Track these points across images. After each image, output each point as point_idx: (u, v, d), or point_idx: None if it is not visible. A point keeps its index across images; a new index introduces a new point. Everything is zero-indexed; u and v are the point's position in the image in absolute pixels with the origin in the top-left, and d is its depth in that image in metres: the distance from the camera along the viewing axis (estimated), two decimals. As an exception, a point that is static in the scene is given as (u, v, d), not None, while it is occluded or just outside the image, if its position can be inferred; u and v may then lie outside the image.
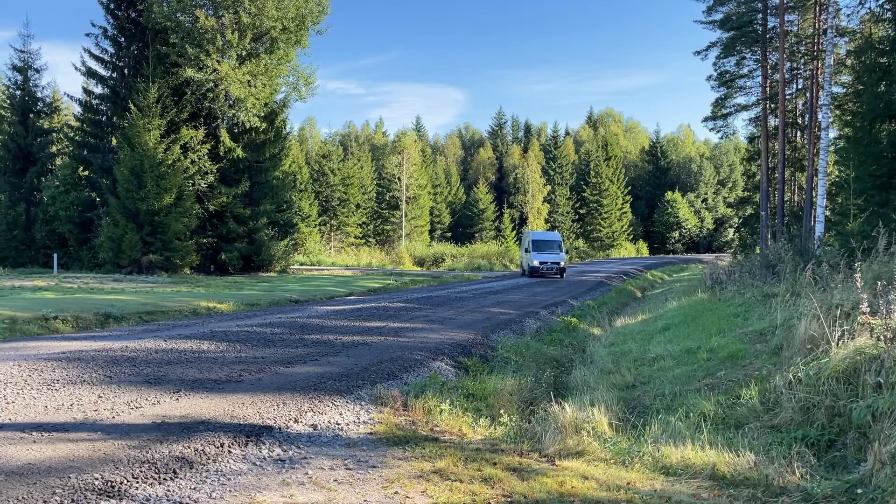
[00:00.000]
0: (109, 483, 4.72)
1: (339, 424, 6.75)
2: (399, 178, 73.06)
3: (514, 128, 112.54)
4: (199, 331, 12.70)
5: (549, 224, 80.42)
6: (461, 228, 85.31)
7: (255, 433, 6.12)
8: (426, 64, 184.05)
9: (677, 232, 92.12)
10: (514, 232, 77.50)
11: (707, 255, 78.40)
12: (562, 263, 35.37)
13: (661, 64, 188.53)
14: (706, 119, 39.21)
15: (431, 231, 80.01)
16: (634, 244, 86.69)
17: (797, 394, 6.89)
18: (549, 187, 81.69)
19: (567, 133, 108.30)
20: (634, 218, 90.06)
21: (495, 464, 5.67)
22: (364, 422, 6.93)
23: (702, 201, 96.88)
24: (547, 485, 5.16)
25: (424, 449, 6.01)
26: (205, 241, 36.07)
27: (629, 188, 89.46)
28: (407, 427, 6.83)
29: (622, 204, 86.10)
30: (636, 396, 9.35)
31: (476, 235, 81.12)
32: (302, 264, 49.55)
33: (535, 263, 34.83)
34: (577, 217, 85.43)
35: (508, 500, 4.87)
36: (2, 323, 13.22)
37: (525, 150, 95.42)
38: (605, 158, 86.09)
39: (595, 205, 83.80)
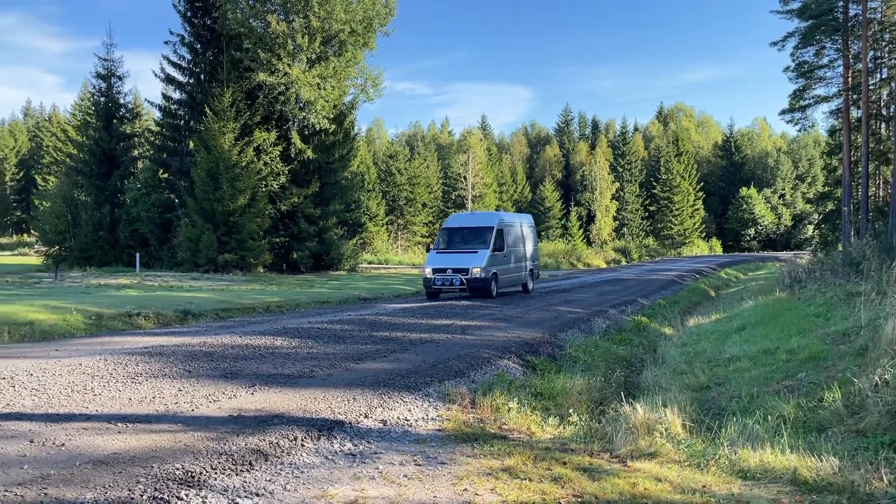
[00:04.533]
0: (189, 473, 4.90)
1: (407, 421, 6.80)
2: (465, 177, 73.20)
3: (581, 124, 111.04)
4: (273, 327, 13.04)
5: (616, 222, 78.88)
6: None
7: (326, 427, 6.23)
8: (492, 63, 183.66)
9: (753, 229, 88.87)
10: (582, 230, 76.48)
11: (784, 252, 75.42)
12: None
13: (734, 56, 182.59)
14: (783, 112, 37.67)
15: (498, 230, 79.72)
16: (707, 242, 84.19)
17: (884, 397, 6.56)
18: (617, 184, 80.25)
19: (636, 129, 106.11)
20: (707, 215, 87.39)
21: (565, 463, 5.60)
22: (432, 418, 6.97)
23: (779, 197, 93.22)
24: (619, 486, 5.07)
25: (493, 447, 6.00)
26: (277, 240, 37.03)
27: (701, 184, 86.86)
28: (475, 424, 6.83)
29: (694, 201, 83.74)
30: (711, 398, 9.09)
31: (542, 234, 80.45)
32: (370, 263, 50.26)
33: (428, 272, 20.13)
34: (646, 214, 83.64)
35: (579, 500, 4.81)
36: (89, 319, 13.90)
37: (592, 147, 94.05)
38: (676, 154, 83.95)
39: (665, 202, 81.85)
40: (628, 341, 13.99)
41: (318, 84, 35.31)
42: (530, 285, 23.29)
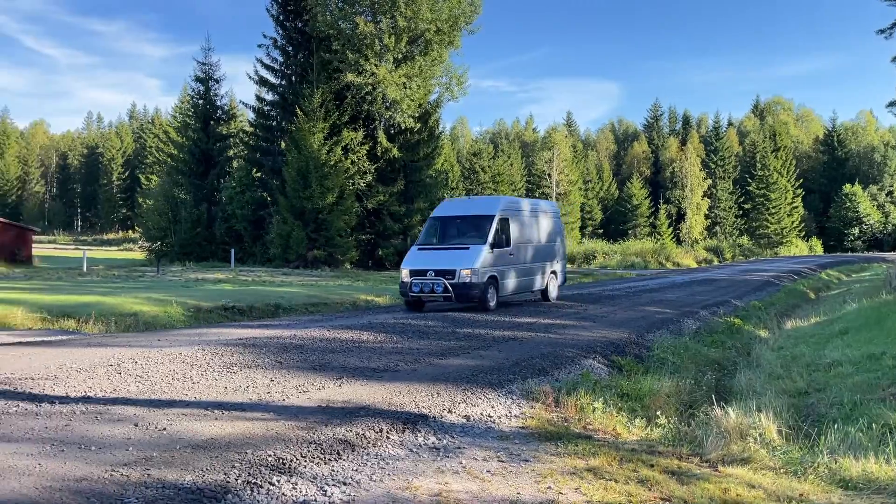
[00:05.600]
0: (281, 460, 5.08)
1: (491, 417, 6.81)
2: (549, 175, 72.50)
3: (671, 120, 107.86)
4: (359, 322, 13.32)
5: (708, 220, 76.10)
6: (613, 225, 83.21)
7: (411, 421, 6.32)
8: (579, 58, 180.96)
9: (857, 228, 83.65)
10: (671, 229, 74.31)
11: (892, 253, 70.83)
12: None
13: (837, 46, 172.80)
14: (891, 104, 35.37)
15: (582, 227, 78.72)
16: (806, 241, 79.96)
17: None
18: (709, 181, 77.42)
19: (730, 123, 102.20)
20: (806, 213, 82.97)
21: (652, 465, 5.47)
22: (515, 416, 6.95)
23: (886, 194, 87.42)
24: (709, 490, 4.91)
25: (577, 446, 5.92)
26: (363, 237, 37.86)
27: (800, 181, 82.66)
28: (559, 423, 6.76)
29: (792, 198, 79.77)
30: (809, 404, 8.66)
31: (629, 232, 78.78)
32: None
33: (405, 275, 15.76)
34: (740, 212, 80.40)
35: (667, 503, 4.68)
36: (188, 311, 14.62)
37: (683, 143, 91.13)
38: (773, 149, 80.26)
39: (761, 199, 78.36)
40: (720, 343, 13.51)
41: (404, 83, 35.81)
42: (553, 292, 18.59)
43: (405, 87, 35.89)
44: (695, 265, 53.38)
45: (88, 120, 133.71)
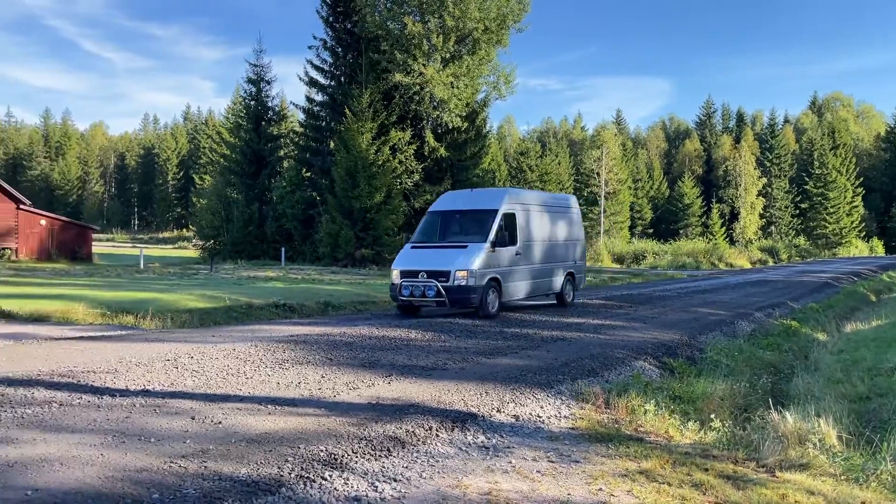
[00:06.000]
0: (332, 455, 5.14)
1: (540, 417, 6.77)
2: (598, 173, 71.69)
3: (724, 117, 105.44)
4: (407, 321, 13.40)
5: (763, 220, 74.12)
6: (664, 224, 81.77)
7: (460, 419, 6.33)
8: (629, 55, 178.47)
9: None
10: (724, 228, 72.67)
11: (960, 254, 67.81)
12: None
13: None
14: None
15: (632, 227, 77.60)
16: (867, 242, 77.15)
17: None
18: (764, 180, 75.36)
19: (786, 120, 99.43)
20: (867, 213, 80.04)
21: (706, 469, 5.36)
22: (565, 416, 6.90)
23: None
24: (766, 496, 4.78)
25: (629, 448, 5.85)
26: (410, 236, 38.05)
27: (861, 180, 79.72)
28: (609, 425, 6.68)
29: (852, 197, 77.07)
30: (871, 409, 8.37)
31: (680, 232, 77.34)
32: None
33: (395, 276, 14.31)
34: (797, 212, 78.07)
35: (722, 508, 4.58)
36: (241, 308, 14.92)
37: (737, 141, 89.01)
38: (832, 147, 77.77)
39: (819, 198, 75.95)
40: (776, 346, 13.15)
41: (452, 83, 35.83)
42: (569, 296, 17.05)
43: (453, 87, 35.92)
44: (748, 266, 52.08)
45: (145, 121, 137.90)
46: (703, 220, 79.16)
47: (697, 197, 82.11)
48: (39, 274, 25.23)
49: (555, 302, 16.97)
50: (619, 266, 48.24)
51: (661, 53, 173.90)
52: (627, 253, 53.48)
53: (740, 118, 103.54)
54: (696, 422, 7.01)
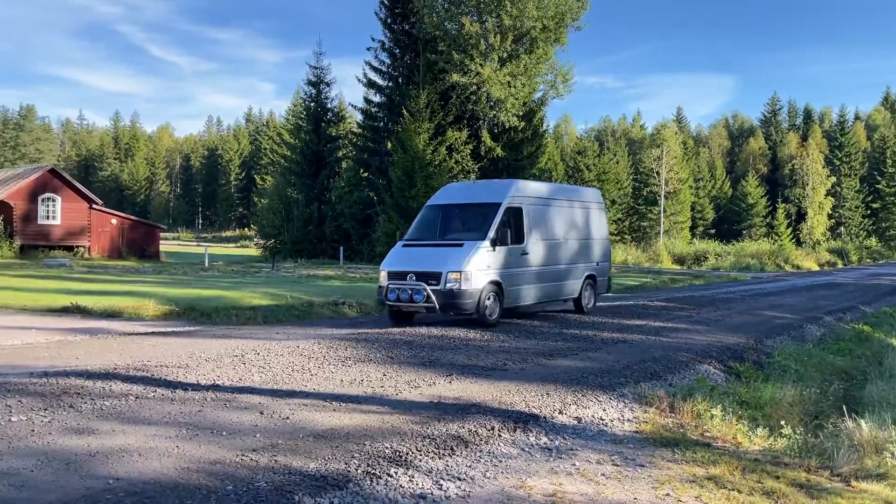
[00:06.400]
0: (397, 453, 5.21)
1: (602, 420, 6.70)
2: (657, 173, 70.35)
3: (790, 114, 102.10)
4: (466, 320, 13.41)
5: (832, 220, 71.43)
6: (726, 225, 79.68)
7: (522, 420, 6.32)
8: (690, 51, 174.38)
9: None
10: (790, 229, 70.36)
11: None
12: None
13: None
14: None
15: (693, 227, 75.86)
16: (944, 243, 73.60)
17: None
18: (833, 179, 72.75)
19: (857, 117, 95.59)
20: (944, 213, 76.36)
21: (778, 477, 5.22)
22: (628, 420, 6.81)
23: None
24: (842, 507, 4.63)
25: (696, 453, 5.73)
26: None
27: (937, 178, 76.08)
28: (674, 429, 6.57)
29: (928, 196, 73.63)
30: (953, 420, 7.96)
31: (744, 233, 75.21)
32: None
33: (383, 278, 12.83)
34: (868, 212, 75.03)
35: (795, 518, 4.46)
36: (303, 306, 15.21)
37: (804, 138, 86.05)
38: (906, 144, 74.34)
39: (892, 198, 72.99)
40: (848, 351, 12.66)
41: (509, 82, 35.75)
42: (589, 302, 15.34)
43: (510, 86, 35.83)
44: (816, 268, 50.30)
45: (209, 123, 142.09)
46: (767, 220, 76.80)
47: (762, 197, 79.72)
48: (111, 271, 26.27)
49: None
50: (679, 267, 47.24)
51: (723, 49, 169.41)
52: (688, 254, 52.29)
53: (808, 115, 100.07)
54: (764, 428, 6.82)
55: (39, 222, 37.17)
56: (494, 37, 35.16)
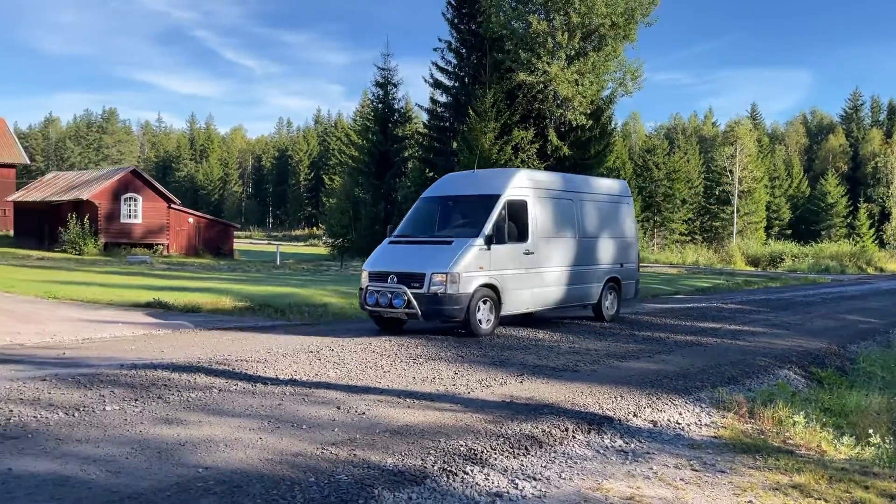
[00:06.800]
0: (472, 451, 5.25)
1: (679, 424, 6.58)
2: (730, 171, 68.27)
3: (873, 109, 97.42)
4: (534, 320, 13.38)
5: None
6: (804, 225, 76.62)
7: (596, 422, 6.27)
8: (765, 45, 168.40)
9: None
10: (873, 230, 67.14)
11: None
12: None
13: None
14: None
15: (768, 228, 73.28)
16: None
17: None
18: (919, 177, 69.00)
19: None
20: None
21: (867, 487, 5.02)
22: (706, 424, 6.66)
23: None
24: (940, 522, 4.42)
25: (778, 461, 5.57)
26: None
27: None
28: (754, 435, 6.39)
29: None
30: None
31: (822, 233, 72.13)
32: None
33: (364, 278, 11.49)
34: (959, 212, 70.82)
35: (888, 531, 4.28)
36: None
37: (888, 135, 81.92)
38: None
39: None
40: (939, 359, 12.01)
41: (576, 80, 35.32)
42: (611, 308, 13.78)
43: (577, 84, 35.39)
44: (901, 270, 47.84)
45: (279, 125, 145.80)
46: (848, 220, 73.49)
47: (842, 196, 76.31)
48: (188, 268, 27.30)
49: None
50: (753, 269, 45.72)
51: (800, 43, 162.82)
52: (763, 255, 50.52)
53: (892, 111, 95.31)
54: (850, 436, 6.57)
55: (122, 221, 38.88)
56: (562, 35, 34.81)
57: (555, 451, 5.50)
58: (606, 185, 14.90)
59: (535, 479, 4.89)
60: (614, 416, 6.54)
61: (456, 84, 40.86)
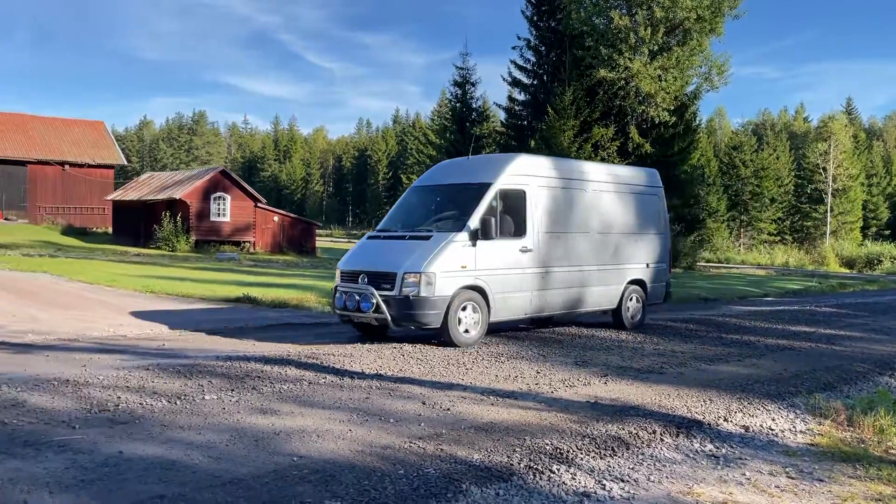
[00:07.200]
0: (558, 450, 5.24)
1: (772, 430, 6.36)
2: (823, 168, 65.12)
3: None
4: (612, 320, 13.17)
5: None
6: (904, 225, 72.26)
7: (684, 425, 6.14)
8: (861, 36, 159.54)
9: None
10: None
11: None
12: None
13: None
14: None
15: (864, 228, 69.47)
16: None
17: None
18: None
19: None
20: None
21: (983, 505, 4.72)
22: (801, 431, 6.41)
23: None
24: None
25: (881, 471, 5.30)
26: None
27: None
28: (854, 444, 6.10)
29: None
30: None
31: (925, 235, 67.82)
32: (708, 261, 47.66)
33: (337, 277, 10.41)
34: None
35: None
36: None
37: None
38: None
39: None
40: None
41: (660, 76, 34.50)
42: (634, 316, 12.38)
43: (660, 80, 34.56)
44: None
45: (359, 125, 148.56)
46: (955, 220, 68.88)
47: (949, 194, 71.59)
48: (273, 265, 28.23)
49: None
50: (848, 270, 43.50)
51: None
52: (858, 256, 47.96)
53: None
54: (961, 450, 6.18)
55: (211, 219, 40.53)
56: (645, 30, 34.05)
57: (642, 454, 5.42)
58: (631, 174, 13.41)
59: (622, 480, 4.84)
60: (704, 419, 6.39)
61: (534, 82, 40.65)
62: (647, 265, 12.70)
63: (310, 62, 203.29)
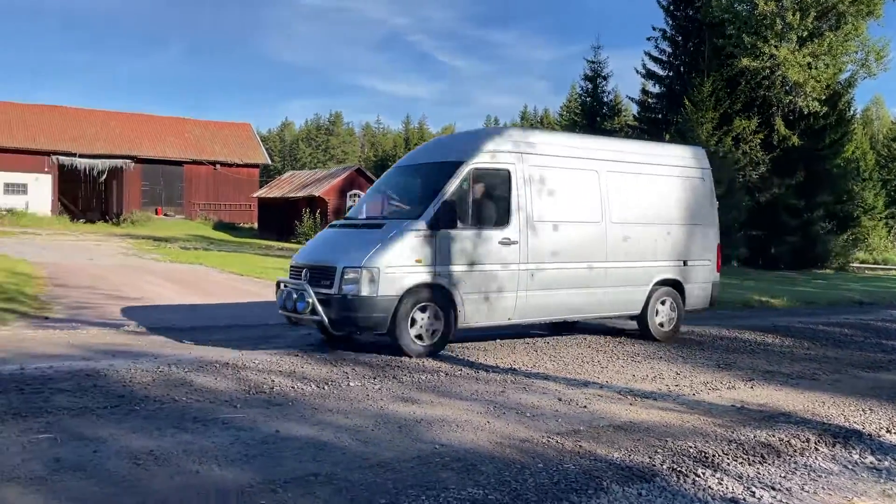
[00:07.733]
0: (703, 453, 5.07)
1: (944, 445, 5.82)
2: None
3: None
4: (759, 323, 12.53)
5: None
6: None
7: (842, 435, 5.75)
8: None
9: None
10: None
11: None
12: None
13: None
14: None
15: None
16: None
17: None
18: None
19: None
20: None
21: None
22: (979, 449, 5.82)
23: None
24: None
25: None
26: (753, 233, 35.24)
27: None
28: None
29: None
30: None
31: None
32: (862, 262, 43.98)
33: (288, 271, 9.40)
34: None
35: None
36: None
37: None
38: None
39: None
40: None
41: (809, 63, 32.24)
42: (665, 322, 10.26)
43: (810, 68, 32.27)
44: None
45: (487, 122, 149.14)
46: None
47: None
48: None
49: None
50: None
51: None
52: None
53: None
54: None
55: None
56: (793, 15, 31.90)
57: (795, 462, 5.14)
58: (665, 152, 11.10)
59: (773, 488, 4.61)
60: (863, 430, 5.95)
61: (670, 73, 39.18)
62: (685, 263, 10.43)
63: (439, 61, 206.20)
